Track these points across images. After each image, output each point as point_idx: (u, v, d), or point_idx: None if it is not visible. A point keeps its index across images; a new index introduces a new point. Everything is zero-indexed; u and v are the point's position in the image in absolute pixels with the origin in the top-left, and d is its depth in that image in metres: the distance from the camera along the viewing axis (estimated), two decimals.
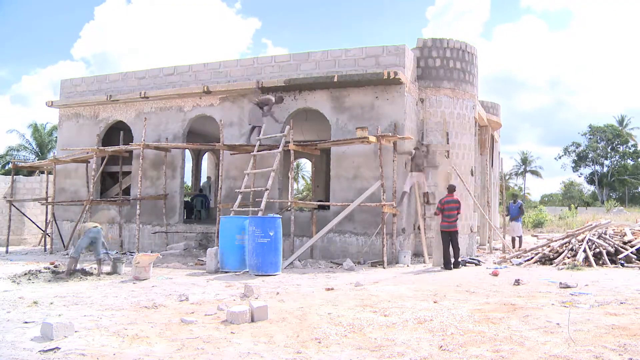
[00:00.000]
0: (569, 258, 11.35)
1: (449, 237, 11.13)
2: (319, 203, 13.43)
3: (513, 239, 15.87)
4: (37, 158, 34.53)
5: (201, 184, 22.15)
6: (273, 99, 13.24)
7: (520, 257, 12.43)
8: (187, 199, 19.82)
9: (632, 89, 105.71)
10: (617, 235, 12.34)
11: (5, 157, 35.07)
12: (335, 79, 12.66)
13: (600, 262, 11.04)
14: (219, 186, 13.51)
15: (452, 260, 11.08)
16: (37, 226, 17.62)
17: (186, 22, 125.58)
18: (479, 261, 12.17)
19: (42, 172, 20.53)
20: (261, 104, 13.20)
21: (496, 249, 15.77)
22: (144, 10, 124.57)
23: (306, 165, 51.89)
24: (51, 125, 35.82)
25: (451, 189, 11.53)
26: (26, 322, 5.72)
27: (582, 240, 11.72)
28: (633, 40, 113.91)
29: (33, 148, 36.13)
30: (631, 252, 11.18)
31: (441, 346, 4.78)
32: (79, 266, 9.81)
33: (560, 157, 59.99)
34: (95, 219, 13.29)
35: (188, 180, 22.71)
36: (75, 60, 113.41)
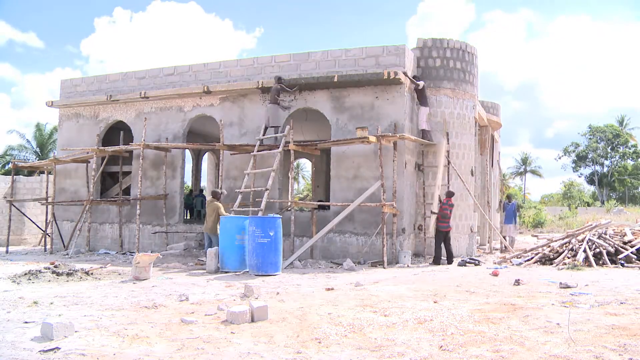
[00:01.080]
0: (569, 258, 11.35)
1: (446, 237, 12.40)
2: (319, 203, 13.43)
3: (505, 238, 15.94)
4: (37, 158, 34.51)
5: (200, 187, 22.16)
6: (277, 84, 12.99)
7: (520, 257, 12.43)
8: (187, 191, 19.68)
9: (615, 91, 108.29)
10: (617, 235, 12.34)
11: (5, 157, 35.04)
12: (336, 79, 12.66)
13: (601, 262, 11.03)
14: (219, 186, 13.50)
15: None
16: (37, 226, 17.63)
17: (185, 41, 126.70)
18: (478, 261, 12.18)
19: (42, 172, 20.54)
20: (273, 97, 12.96)
21: (496, 249, 15.78)
22: (143, 27, 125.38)
23: (306, 165, 51.97)
24: (51, 126, 35.82)
25: (452, 194, 12.56)
26: (26, 322, 5.71)
27: (582, 241, 11.72)
28: (611, 43, 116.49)
29: (33, 148, 36.10)
30: (631, 252, 11.18)
31: (441, 346, 4.78)
32: (78, 266, 9.80)
33: (560, 158, 60.04)
34: None
35: (188, 180, 22.72)
36: (74, 69, 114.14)
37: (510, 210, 16.04)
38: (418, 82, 12.96)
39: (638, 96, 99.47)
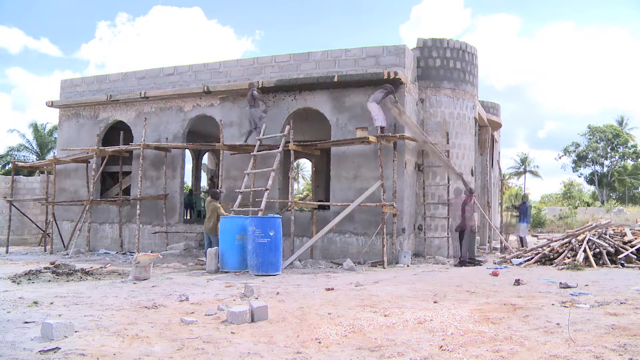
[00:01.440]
0: (569, 258, 11.35)
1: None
2: (319, 203, 13.42)
3: (520, 239, 16.17)
4: (37, 158, 34.51)
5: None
6: (254, 85, 13.20)
7: (520, 257, 12.43)
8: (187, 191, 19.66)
9: (607, 92, 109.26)
10: (617, 235, 12.34)
11: (5, 157, 35.03)
12: (335, 79, 12.65)
13: (601, 262, 11.04)
14: (219, 186, 13.50)
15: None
16: (37, 226, 17.62)
17: (186, 45, 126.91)
18: (479, 261, 12.18)
19: (42, 172, 20.52)
20: (250, 100, 13.14)
21: (496, 249, 15.80)
22: (145, 32, 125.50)
23: (306, 165, 51.97)
24: (51, 126, 35.81)
25: (471, 192, 12.46)
26: (26, 322, 5.71)
27: (582, 241, 11.72)
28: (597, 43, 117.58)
29: (33, 148, 36.09)
30: (631, 252, 11.19)
31: (441, 346, 4.78)
32: (78, 266, 9.79)
33: (560, 158, 60.04)
34: None
35: (188, 180, 22.71)
36: (74, 72, 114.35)
37: (523, 210, 16.36)
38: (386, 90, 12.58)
39: (631, 97, 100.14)
